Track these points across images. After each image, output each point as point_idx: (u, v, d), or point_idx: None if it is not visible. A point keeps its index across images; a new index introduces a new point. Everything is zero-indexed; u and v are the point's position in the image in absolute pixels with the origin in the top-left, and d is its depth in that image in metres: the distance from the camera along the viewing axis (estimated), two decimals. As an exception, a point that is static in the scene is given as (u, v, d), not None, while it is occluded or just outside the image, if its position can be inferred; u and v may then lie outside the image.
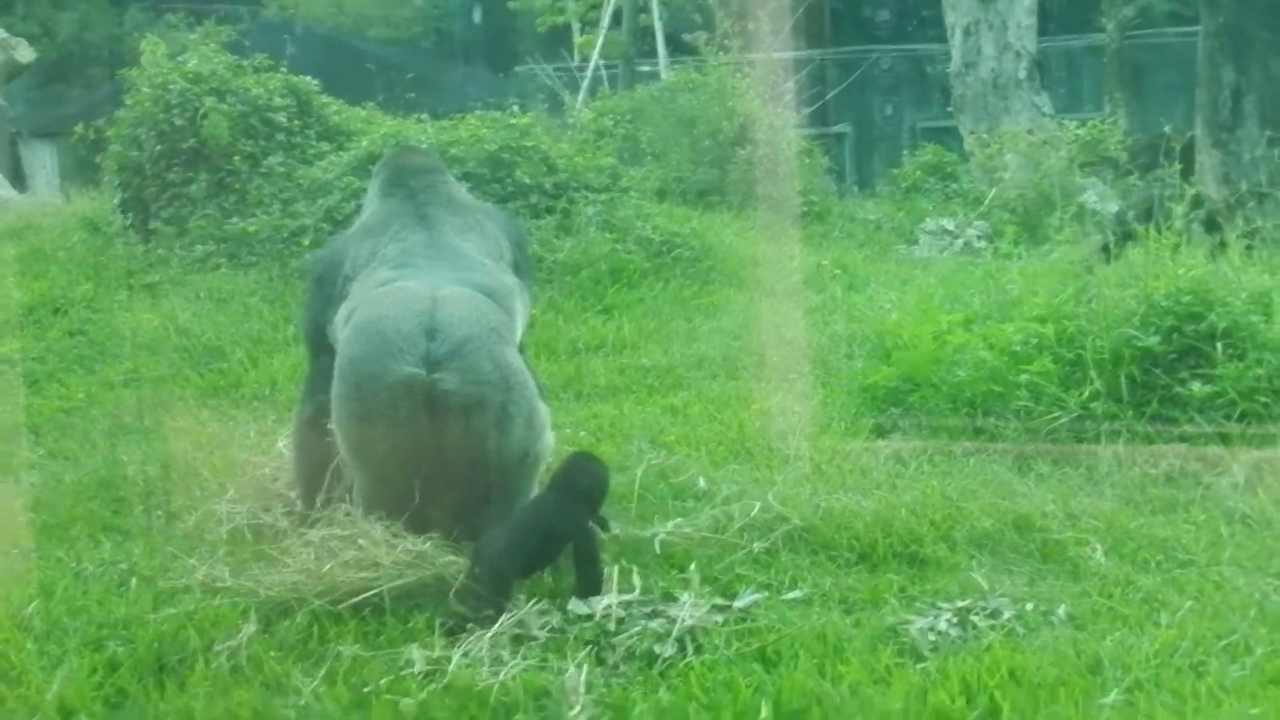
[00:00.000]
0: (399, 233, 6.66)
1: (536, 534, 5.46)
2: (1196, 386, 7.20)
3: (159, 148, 13.07)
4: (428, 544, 5.58)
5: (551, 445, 6.23)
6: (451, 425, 5.70)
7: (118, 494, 7.12)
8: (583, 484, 5.67)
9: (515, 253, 6.88)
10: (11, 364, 9.91)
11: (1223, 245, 8.20)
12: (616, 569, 5.54)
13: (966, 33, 18.08)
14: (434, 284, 6.12)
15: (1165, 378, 7.35)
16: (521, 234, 7.29)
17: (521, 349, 6.31)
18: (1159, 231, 8.20)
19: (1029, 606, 5.38)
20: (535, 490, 5.97)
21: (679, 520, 6.22)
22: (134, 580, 5.79)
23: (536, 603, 5.29)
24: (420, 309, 5.89)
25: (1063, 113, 20.28)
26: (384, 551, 5.49)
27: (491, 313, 6.08)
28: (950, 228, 14.72)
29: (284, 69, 14.18)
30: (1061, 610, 5.34)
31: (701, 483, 6.78)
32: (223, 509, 6.44)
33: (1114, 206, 13.89)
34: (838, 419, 7.93)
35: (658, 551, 5.94)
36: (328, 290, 6.57)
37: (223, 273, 11.90)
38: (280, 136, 13.37)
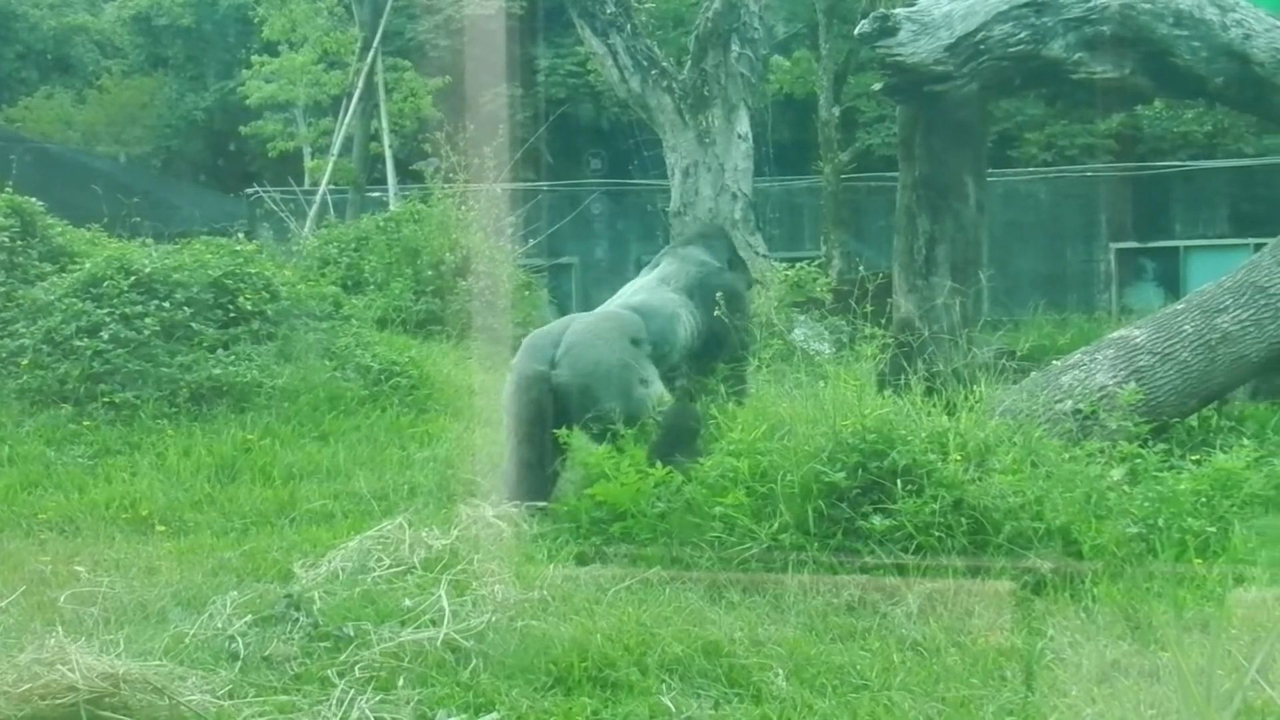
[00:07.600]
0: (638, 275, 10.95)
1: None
2: (877, 520, 7.52)
3: (-126, 266, 12.83)
4: (121, 669, 5.71)
5: (652, 399, 9.35)
6: (563, 398, 9.25)
7: None
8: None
9: (701, 291, 10.18)
10: None
11: (908, 386, 8.61)
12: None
13: (685, 174, 18.59)
14: (603, 306, 10.31)
15: (850, 511, 7.67)
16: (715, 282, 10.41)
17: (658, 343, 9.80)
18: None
19: (712, 728, 5.66)
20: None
21: (384, 643, 6.36)
22: None
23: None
24: (559, 327, 9.65)
25: (783, 251, 20.94)
26: (79, 676, 5.59)
27: (614, 326, 9.65)
28: (663, 362, 14.99)
29: (9, 189, 14.07)
30: (742, 731, 5.65)
31: (407, 603, 6.90)
32: None
33: (823, 345, 14.41)
34: (544, 546, 8.14)
35: (358, 674, 6.10)
36: None
37: (-63, 392, 11.69)
38: (2, 256, 13.24)
